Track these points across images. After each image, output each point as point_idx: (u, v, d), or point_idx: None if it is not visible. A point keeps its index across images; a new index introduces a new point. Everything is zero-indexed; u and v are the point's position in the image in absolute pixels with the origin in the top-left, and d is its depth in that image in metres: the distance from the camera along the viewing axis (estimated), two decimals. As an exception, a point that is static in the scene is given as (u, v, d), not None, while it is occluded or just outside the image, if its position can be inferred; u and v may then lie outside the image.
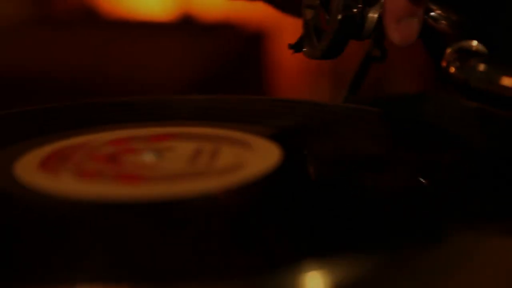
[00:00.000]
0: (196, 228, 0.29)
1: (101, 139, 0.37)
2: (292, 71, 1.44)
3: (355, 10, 0.38)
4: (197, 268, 0.26)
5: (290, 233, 0.28)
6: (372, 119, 0.43)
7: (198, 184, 0.32)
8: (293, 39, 0.43)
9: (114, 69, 1.40)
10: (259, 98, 0.42)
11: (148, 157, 0.34)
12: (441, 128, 0.41)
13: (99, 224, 0.29)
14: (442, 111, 0.46)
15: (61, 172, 0.33)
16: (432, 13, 0.39)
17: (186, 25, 1.57)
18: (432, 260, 0.27)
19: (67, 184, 0.32)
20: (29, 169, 0.33)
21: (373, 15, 0.39)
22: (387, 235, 0.28)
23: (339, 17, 0.38)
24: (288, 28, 1.31)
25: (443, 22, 0.39)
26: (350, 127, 0.41)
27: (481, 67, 0.35)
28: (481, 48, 0.36)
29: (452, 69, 0.36)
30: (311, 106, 0.43)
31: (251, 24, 1.49)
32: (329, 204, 0.31)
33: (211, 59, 1.44)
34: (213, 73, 1.42)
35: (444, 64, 0.36)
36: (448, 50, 0.37)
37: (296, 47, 0.42)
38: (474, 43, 0.36)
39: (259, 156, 0.34)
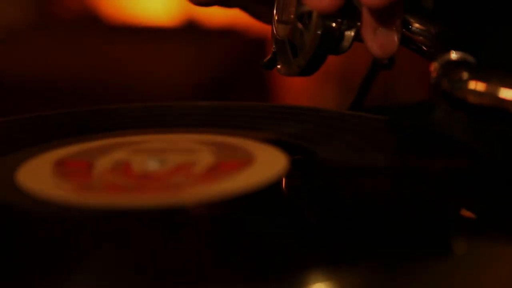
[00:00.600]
0: (199, 236, 0.28)
1: (102, 146, 0.37)
2: (298, 77, 1.45)
3: (334, 24, 0.38)
4: (200, 277, 0.25)
5: (295, 241, 0.28)
6: (378, 127, 0.42)
7: (201, 191, 0.31)
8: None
9: (117, 75, 1.40)
10: (264, 105, 0.42)
11: (152, 165, 0.34)
12: (448, 135, 0.41)
13: (99, 232, 0.29)
14: (449, 119, 0.46)
15: (61, 179, 0.33)
16: (411, 27, 0.39)
17: (190, 31, 1.58)
18: (438, 268, 0.26)
19: (67, 192, 0.32)
20: (31, 176, 0.33)
21: (350, 30, 0.39)
22: (392, 242, 0.28)
23: (319, 32, 0.38)
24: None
25: (422, 35, 0.39)
26: (356, 135, 0.41)
27: (467, 77, 0.35)
28: (469, 58, 0.36)
29: (440, 81, 0.36)
30: (316, 113, 0.43)
31: (255, 29, 1.49)
32: (335, 211, 0.31)
33: (215, 64, 1.44)
34: (217, 78, 1.42)
35: (432, 76, 0.36)
36: (435, 62, 0.37)
37: (269, 64, 0.42)
38: (462, 54, 0.36)
39: (264, 163, 0.34)
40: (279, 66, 0.41)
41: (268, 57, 0.42)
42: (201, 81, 1.39)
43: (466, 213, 0.32)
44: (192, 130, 0.40)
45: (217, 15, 1.59)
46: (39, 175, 0.33)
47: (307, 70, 0.39)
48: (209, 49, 1.47)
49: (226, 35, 1.54)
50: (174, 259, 0.27)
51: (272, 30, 0.42)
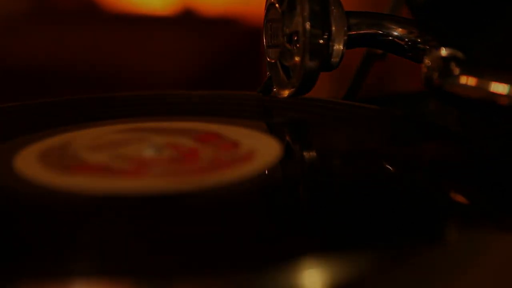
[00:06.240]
0: (194, 224, 0.29)
1: (100, 133, 0.37)
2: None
3: (321, 41, 0.38)
4: (193, 264, 0.26)
5: (289, 230, 0.28)
6: (371, 116, 0.43)
7: (197, 179, 0.32)
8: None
9: (114, 63, 1.40)
10: (257, 94, 0.42)
11: (148, 152, 0.34)
12: (440, 125, 0.41)
13: (98, 217, 0.29)
14: (442, 109, 0.46)
15: (60, 165, 0.33)
16: (395, 33, 0.40)
17: (187, 20, 1.57)
18: (432, 259, 0.27)
19: (65, 178, 0.32)
20: (29, 162, 0.33)
21: (339, 45, 0.39)
22: (384, 230, 0.28)
23: (309, 48, 0.38)
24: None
25: (408, 37, 0.40)
26: (351, 125, 0.41)
27: (459, 72, 0.35)
28: (459, 54, 0.36)
29: (431, 77, 0.36)
30: (311, 102, 0.43)
31: (252, 19, 1.48)
32: (327, 199, 0.31)
33: (211, 54, 1.44)
34: (213, 68, 1.42)
35: (423, 72, 0.37)
36: (426, 59, 0.37)
37: (265, 89, 0.42)
38: (452, 50, 0.37)
39: (259, 152, 0.34)
40: (275, 90, 0.41)
41: (264, 82, 0.42)
42: (197, 70, 1.38)
43: (458, 201, 0.32)
44: (187, 118, 0.40)
45: (214, 4, 1.59)
46: (37, 161, 0.33)
47: (301, 89, 0.39)
48: (206, 39, 1.46)
49: (222, 24, 1.54)
50: (167, 246, 0.27)
51: (265, 55, 0.42)
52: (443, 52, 0.36)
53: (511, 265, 0.28)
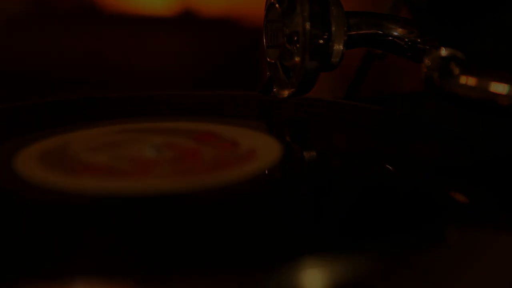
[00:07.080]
0: (194, 224, 0.29)
1: (100, 133, 0.37)
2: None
3: (321, 41, 0.38)
4: (194, 264, 0.26)
5: (289, 229, 0.28)
6: (372, 117, 0.43)
7: (197, 179, 0.32)
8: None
9: (113, 64, 1.40)
10: (257, 94, 0.42)
11: (149, 152, 0.34)
12: (439, 125, 0.41)
13: (98, 218, 0.29)
14: (442, 108, 0.46)
15: (60, 166, 0.33)
16: (395, 33, 0.40)
17: (187, 20, 1.57)
18: (432, 259, 0.27)
19: (64, 179, 0.32)
20: (29, 163, 0.33)
21: (338, 45, 0.39)
22: (384, 229, 0.28)
23: (309, 48, 0.38)
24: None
25: (407, 37, 0.40)
26: (351, 125, 0.41)
27: (458, 72, 0.35)
28: (459, 54, 0.36)
29: (431, 77, 0.36)
30: (311, 102, 0.43)
31: (252, 19, 1.48)
32: (327, 199, 0.31)
33: (212, 54, 1.44)
34: (213, 68, 1.42)
35: (424, 71, 0.37)
36: (426, 59, 0.37)
37: (265, 89, 0.42)
38: (451, 50, 0.37)
39: (259, 152, 0.34)
40: (275, 90, 0.41)
41: (264, 83, 0.42)
42: (198, 71, 1.39)
43: (458, 201, 0.32)
44: (188, 119, 0.40)
45: (214, 5, 1.59)
46: (37, 162, 0.34)
47: (301, 89, 0.39)
48: (206, 39, 1.47)
49: (222, 24, 1.54)
50: (167, 246, 0.27)
51: (265, 55, 0.42)
52: (443, 52, 0.36)
53: (511, 265, 0.28)
